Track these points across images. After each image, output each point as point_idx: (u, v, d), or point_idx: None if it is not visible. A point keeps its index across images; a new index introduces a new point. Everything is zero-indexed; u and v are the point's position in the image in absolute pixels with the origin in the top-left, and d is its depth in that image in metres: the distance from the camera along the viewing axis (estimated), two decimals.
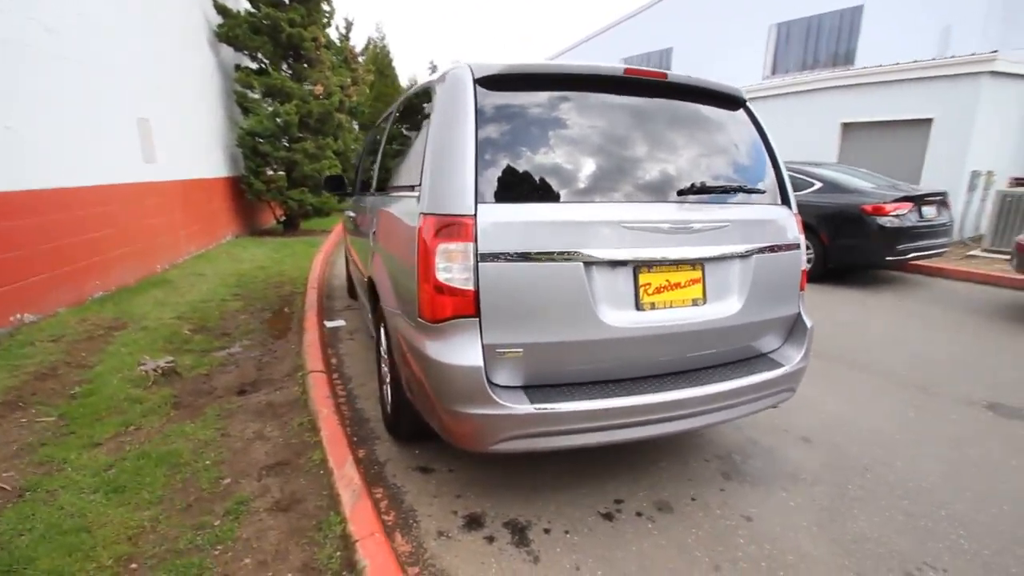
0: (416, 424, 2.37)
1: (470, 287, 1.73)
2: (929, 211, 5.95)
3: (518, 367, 1.81)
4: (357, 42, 17.72)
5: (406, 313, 2.02)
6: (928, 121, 9.28)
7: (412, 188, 2.09)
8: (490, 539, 1.91)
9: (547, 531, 1.96)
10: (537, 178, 1.86)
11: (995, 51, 8.60)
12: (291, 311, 4.76)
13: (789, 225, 2.23)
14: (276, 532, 1.84)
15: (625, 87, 2.05)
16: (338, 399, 2.97)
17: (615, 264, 1.86)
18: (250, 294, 5.24)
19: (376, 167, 2.89)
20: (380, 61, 23.78)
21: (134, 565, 1.68)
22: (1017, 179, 9.75)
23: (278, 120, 7.94)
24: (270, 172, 8.33)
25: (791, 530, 1.99)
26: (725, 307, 2.04)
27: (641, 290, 1.90)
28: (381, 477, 2.27)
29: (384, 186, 2.68)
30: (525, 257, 1.76)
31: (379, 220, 2.52)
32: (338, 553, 1.72)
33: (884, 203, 5.71)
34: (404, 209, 2.11)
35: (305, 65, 8.47)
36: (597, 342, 1.84)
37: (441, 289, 1.76)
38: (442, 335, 1.78)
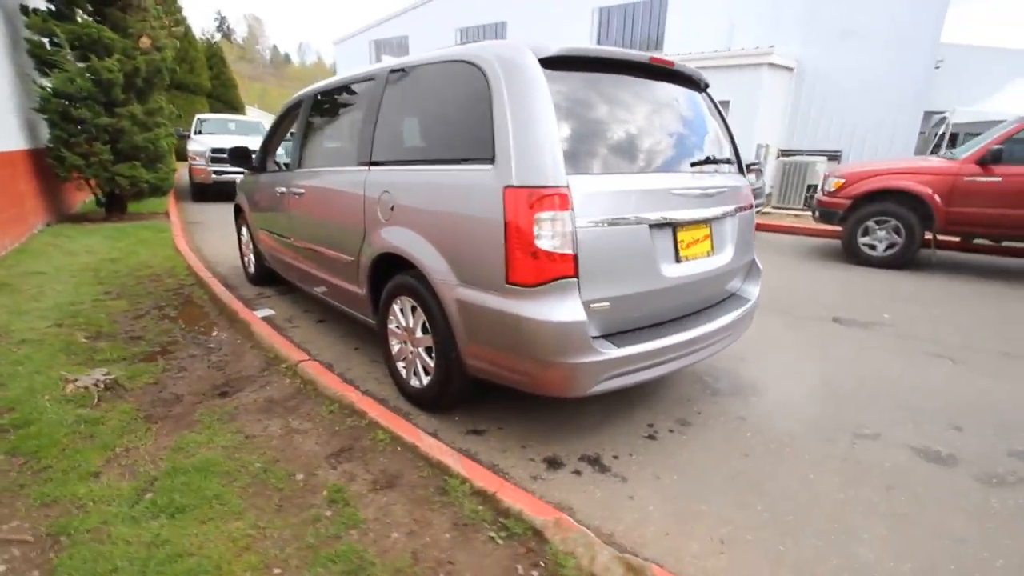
0: (464, 391, 2.49)
1: (570, 251, 1.93)
2: (751, 177, 7.49)
3: (602, 318, 2.08)
4: None
5: (478, 281, 2.11)
6: (726, 102, 11.36)
7: (468, 160, 2.16)
8: (577, 473, 2.19)
9: (616, 457, 2.31)
10: (603, 151, 2.12)
11: (772, 46, 10.87)
12: (201, 306, 4.20)
13: (747, 190, 2.83)
14: (400, 506, 1.86)
15: (645, 71, 2.38)
16: None
17: (664, 225, 2.22)
18: (127, 292, 4.43)
19: (369, 139, 2.74)
20: (172, 9, 20.18)
21: (277, 570, 1.58)
22: (783, 151, 12.55)
23: (93, 78, 6.46)
24: (83, 142, 6.76)
25: (773, 420, 2.64)
26: (724, 256, 2.56)
27: (679, 245, 2.30)
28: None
29: (397, 160, 2.61)
30: (608, 222, 2.02)
31: (405, 193, 2.47)
32: (480, 507, 1.84)
33: None
34: (466, 181, 2.16)
35: (120, 12, 6.96)
36: (658, 291, 2.20)
37: (537, 255, 1.93)
38: (539, 296, 1.95)
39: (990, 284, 5.38)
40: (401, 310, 2.62)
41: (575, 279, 1.96)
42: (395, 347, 2.76)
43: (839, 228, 6.20)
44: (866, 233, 5.88)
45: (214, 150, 10.08)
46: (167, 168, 7.72)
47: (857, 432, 2.55)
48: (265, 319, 3.94)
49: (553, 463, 2.25)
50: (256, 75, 70.39)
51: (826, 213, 6.20)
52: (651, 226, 2.14)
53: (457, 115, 2.31)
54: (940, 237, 5.82)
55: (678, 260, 2.30)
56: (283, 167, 4.28)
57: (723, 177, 2.61)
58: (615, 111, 2.22)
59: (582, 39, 16.51)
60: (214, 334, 3.63)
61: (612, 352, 2.03)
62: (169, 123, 7.74)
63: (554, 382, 2.05)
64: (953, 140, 11.19)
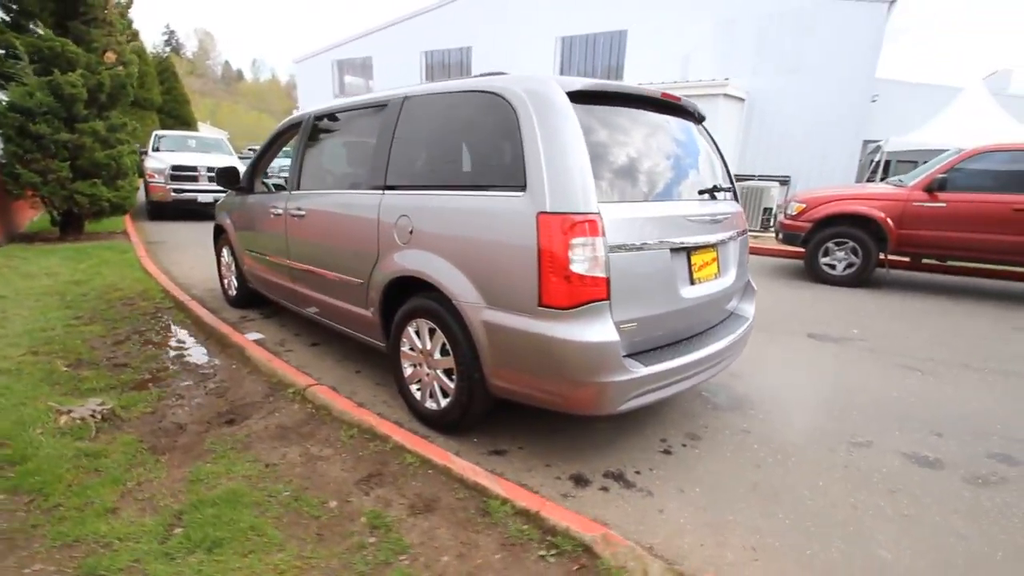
0: (485, 412, 2.52)
1: (603, 275, 2.02)
2: None
3: (628, 338, 2.17)
4: None
5: (507, 304, 2.16)
6: None
7: (497, 187, 2.23)
8: (605, 489, 2.24)
9: (638, 472, 2.38)
10: (625, 180, 2.24)
11: (727, 79, 11.56)
12: (185, 330, 4.03)
13: (742, 215, 3.02)
14: (443, 529, 1.86)
15: (654, 105, 2.53)
16: None
17: (681, 249, 2.34)
18: (100, 316, 4.21)
19: (383, 164, 2.77)
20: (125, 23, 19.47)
21: None
22: (736, 176, 13.22)
23: (54, 92, 6.17)
24: (38, 158, 6.40)
25: (774, 432, 2.79)
26: (729, 277, 2.72)
27: (693, 268, 2.43)
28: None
29: (416, 185, 2.64)
30: (635, 247, 2.12)
31: (426, 217, 2.50)
32: (525, 527, 1.86)
33: None
34: (495, 207, 2.21)
35: (84, 25, 6.70)
36: (677, 311, 2.32)
37: (571, 279, 2.00)
38: (573, 318, 2.02)
39: (938, 300, 5.85)
40: (416, 332, 2.63)
41: (607, 301, 2.04)
42: (408, 370, 2.75)
43: (801, 249, 6.60)
44: (826, 254, 6.29)
45: (174, 167, 9.73)
46: (129, 186, 7.40)
47: (852, 440, 2.73)
48: (256, 343, 3.83)
49: (580, 480, 2.30)
50: (207, 90, 68.44)
51: (789, 235, 6.59)
52: (672, 250, 2.26)
53: (483, 143, 2.38)
54: (892, 257, 6.28)
55: (692, 282, 2.42)
56: (272, 188, 4.22)
57: (724, 204, 2.78)
58: (632, 142, 2.35)
59: (546, 66, 17.03)
60: (205, 359, 3.50)
61: (641, 370, 2.11)
62: (132, 140, 7.45)
63: (586, 401, 2.11)
64: (886, 167, 12.16)
